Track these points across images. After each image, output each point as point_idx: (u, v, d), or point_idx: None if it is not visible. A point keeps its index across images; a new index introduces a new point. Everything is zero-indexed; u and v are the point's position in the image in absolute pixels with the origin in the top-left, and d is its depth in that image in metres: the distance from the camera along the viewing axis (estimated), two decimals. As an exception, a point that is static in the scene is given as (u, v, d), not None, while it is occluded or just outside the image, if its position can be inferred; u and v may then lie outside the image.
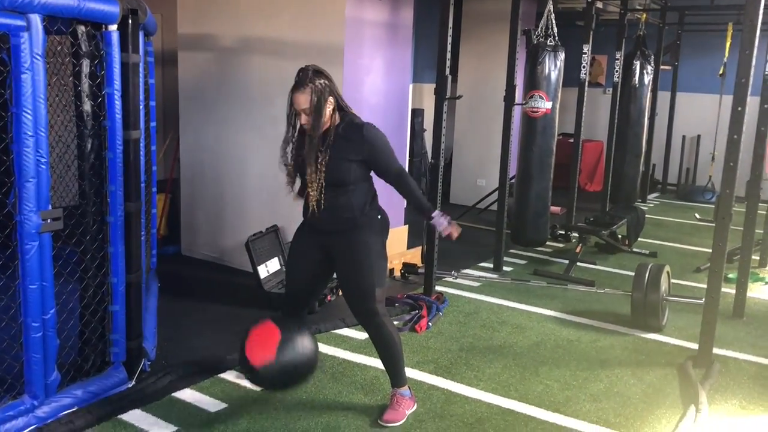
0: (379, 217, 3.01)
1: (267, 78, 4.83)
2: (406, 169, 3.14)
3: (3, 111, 2.60)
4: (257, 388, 3.17)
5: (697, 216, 7.79)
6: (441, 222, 3.00)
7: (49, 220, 2.68)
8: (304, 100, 2.79)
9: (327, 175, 2.85)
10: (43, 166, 2.65)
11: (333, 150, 2.85)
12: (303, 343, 2.88)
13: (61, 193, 3.07)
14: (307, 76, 2.80)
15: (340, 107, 2.90)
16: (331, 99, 2.83)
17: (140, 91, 3.17)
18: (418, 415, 3.07)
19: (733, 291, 4.63)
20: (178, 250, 5.50)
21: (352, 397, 3.24)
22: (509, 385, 3.43)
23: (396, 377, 3.08)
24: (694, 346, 3.84)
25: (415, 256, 5.35)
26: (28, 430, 2.73)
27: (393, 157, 2.98)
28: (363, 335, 3.96)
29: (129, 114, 3.04)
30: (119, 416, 2.96)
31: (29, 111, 2.56)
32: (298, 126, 2.92)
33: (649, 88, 7.97)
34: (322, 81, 2.81)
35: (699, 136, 9.69)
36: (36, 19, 2.54)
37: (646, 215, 6.91)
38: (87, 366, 3.08)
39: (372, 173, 2.99)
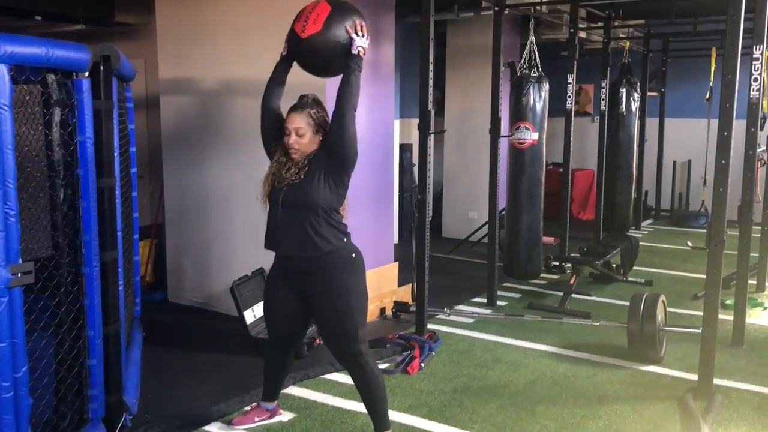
0: (353, 255, 2.93)
1: (249, 119, 4.77)
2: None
3: (-33, 163, 2.52)
4: None
5: (690, 244, 7.72)
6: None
7: (19, 274, 2.58)
8: (299, 120, 2.88)
9: (299, 191, 2.85)
10: (12, 219, 2.56)
11: (308, 169, 2.88)
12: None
13: (33, 244, 2.98)
14: (308, 102, 2.92)
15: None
16: (322, 132, 2.91)
17: (114, 137, 3.10)
18: (410, 463, 2.95)
19: (732, 318, 4.53)
20: (165, 296, 5.39)
21: (341, 446, 3.12)
22: (505, 426, 3.31)
23: (380, 421, 2.98)
24: (694, 377, 3.73)
25: (406, 293, 5.25)
26: (-1, 496, 2.59)
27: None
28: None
29: (103, 161, 2.97)
30: (97, 476, 2.83)
31: (-4, 163, 2.49)
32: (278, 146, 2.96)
33: (637, 114, 7.98)
34: (320, 112, 2.92)
35: (690, 160, 9.69)
36: (2, 69, 2.46)
37: (641, 242, 6.84)
38: (63, 425, 2.95)
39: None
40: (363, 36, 2.88)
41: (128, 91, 4.14)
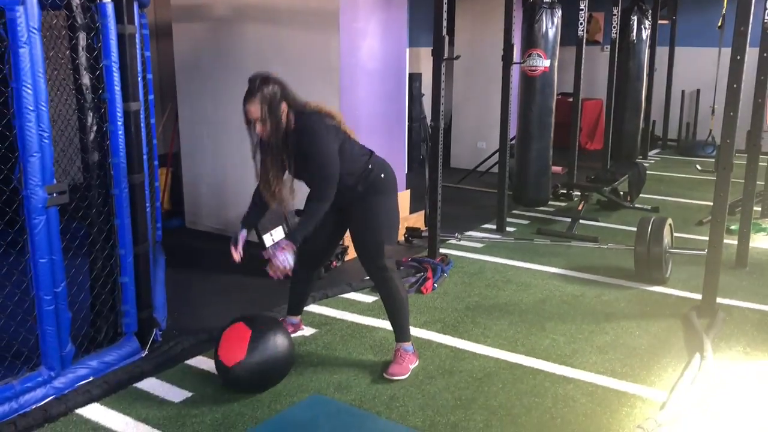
0: (382, 176, 3.04)
1: (263, 46, 4.81)
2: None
3: (3, 86, 2.60)
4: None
5: (699, 168, 7.79)
6: (274, 254, 2.85)
7: (54, 194, 2.70)
8: (254, 109, 2.83)
9: (301, 176, 2.98)
10: (46, 141, 2.66)
11: (295, 151, 2.90)
12: (275, 341, 2.91)
13: (65, 167, 3.08)
14: (254, 86, 2.82)
15: (297, 110, 2.89)
16: (283, 104, 2.85)
17: (137, 62, 3.16)
18: (428, 372, 3.13)
19: (736, 242, 4.66)
20: (182, 223, 5.53)
21: (361, 356, 3.30)
22: (516, 340, 3.48)
23: (400, 332, 3.16)
24: (698, 296, 3.88)
25: (418, 220, 5.37)
26: (46, 400, 2.78)
27: (318, 161, 2.86)
28: (369, 298, 4.01)
29: (128, 86, 3.05)
30: (135, 385, 3.01)
31: (29, 85, 2.56)
32: (255, 137, 2.93)
33: (647, 43, 7.91)
34: (270, 87, 2.83)
35: (698, 90, 9.65)
36: (30, -8, 2.53)
37: (647, 171, 6.91)
38: (100, 337, 3.13)
39: (352, 147, 3.00)
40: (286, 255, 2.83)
41: (143, 17, 4.16)
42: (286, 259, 2.84)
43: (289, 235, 2.90)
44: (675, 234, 4.58)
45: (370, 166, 3.02)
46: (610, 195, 5.98)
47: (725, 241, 3.78)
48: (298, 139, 2.87)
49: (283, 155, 2.92)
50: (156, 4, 6.28)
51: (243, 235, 3.10)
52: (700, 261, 4.28)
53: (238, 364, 2.84)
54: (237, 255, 3.03)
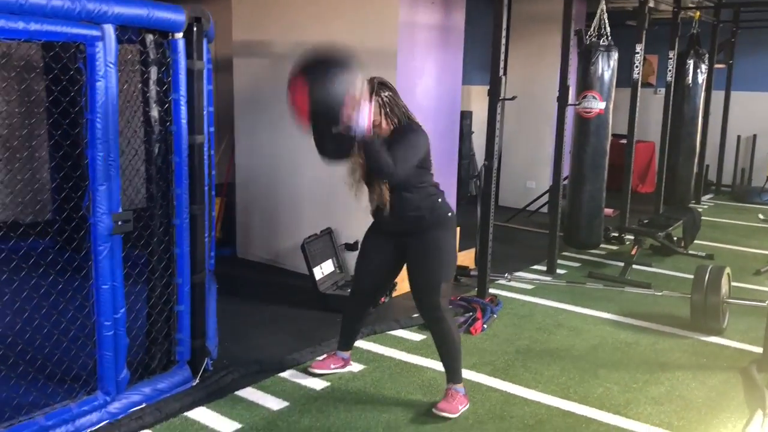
0: (449, 214, 3.08)
1: (320, 82, 4.89)
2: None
3: (79, 117, 2.70)
4: (318, 386, 3.24)
5: (762, 216, 7.59)
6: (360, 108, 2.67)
7: (120, 222, 2.78)
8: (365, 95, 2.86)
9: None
10: (115, 171, 2.75)
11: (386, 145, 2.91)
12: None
13: (130, 195, 3.17)
14: (373, 88, 2.90)
15: (400, 118, 2.97)
16: (385, 110, 2.94)
17: (204, 97, 3.25)
18: (478, 416, 3.08)
19: (797, 294, 4.51)
20: (233, 252, 5.61)
21: (410, 396, 3.27)
22: (568, 387, 3.41)
23: (452, 374, 3.13)
24: (757, 349, 3.76)
25: (467, 258, 5.34)
26: (100, 424, 2.82)
27: (402, 151, 2.83)
28: (417, 336, 3.98)
29: (194, 119, 3.13)
30: (185, 413, 3.03)
31: (102, 117, 2.66)
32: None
33: (703, 87, 7.81)
34: (387, 93, 2.95)
35: (755, 135, 9.45)
36: (110, 29, 2.64)
37: (701, 217, 6.77)
38: (153, 364, 3.17)
39: (430, 167, 3.05)
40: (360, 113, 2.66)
41: (207, 53, 4.28)
42: (364, 118, 2.65)
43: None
44: (732, 283, 4.46)
45: (439, 200, 3.05)
46: (664, 240, 5.86)
47: (787, 292, 3.67)
48: (397, 134, 2.91)
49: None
50: (217, 39, 6.48)
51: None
52: (758, 312, 4.16)
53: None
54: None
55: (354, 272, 3.39)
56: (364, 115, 2.67)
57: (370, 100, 2.81)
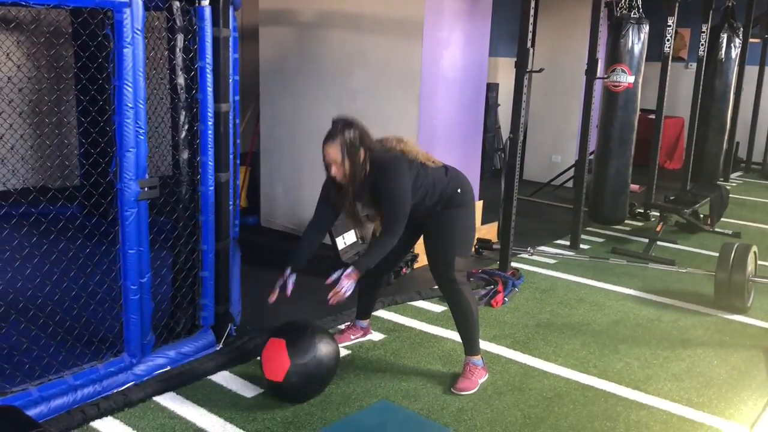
0: (459, 190, 3.04)
1: (345, 52, 4.88)
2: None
3: (107, 84, 2.73)
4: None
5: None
6: (341, 282, 2.85)
7: (146, 188, 2.82)
8: (333, 152, 2.84)
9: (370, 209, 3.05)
10: (142, 137, 2.78)
11: (370, 190, 2.93)
12: (313, 340, 2.91)
13: (156, 163, 3.20)
14: (336, 129, 2.85)
15: (376, 153, 2.90)
16: (362, 151, 2.86)
17: (230, 65, 3.26)
18: (497, 387, 3.10)
19: (825, 274, 4.45)
20: (258, 221, 5.66)
21: (430, 366, 3.30)
22: (588, 361, 3.42)
23: (470, 346, 3.14)
24: (782, 329, 3.73)
25: (489, 231, 5.34)
26: (126, 385, 2.89)
27: (392, 199, 2.86)
28: (438, 308, 4.00)
29: (219, 87, 3.14)
30: (209, 377, 3.10)
31: (130, 84, 2.68)
32: (328, 178, 2.98)
33: (736, 62, 7.63)
34: (351, 132, 2.85)
35: (788, 112, 9.25)
36: (137, -5, 2.64)
37: (729, 194, 6.67)
38: (178, 329, 3.24)
39: (426, 175, 2.98)
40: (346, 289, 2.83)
41: (234, 20, 4.28)
42: (349, 288, 2.84)
43: (355, 263, 2.90)
44: (759, 262, 4.40)
45: (449, 183, 3.03)
46: (690, 217, 5.80)
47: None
48: (374, 179, 2.89)
49: (352, 197, 2.95)
50: (244, 8, 6.46)
51: (292, 280, 3.16)
52: (785, 292, 4.11)
53: (287, 374, 2.82)
54: (274, 296, 3.07)
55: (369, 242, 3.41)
56: (349, 283, 2.84)
57: (342, 155, 2.83)
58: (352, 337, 3.49)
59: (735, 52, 7.53)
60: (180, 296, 3.21)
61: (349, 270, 2.87)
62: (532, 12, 4.31)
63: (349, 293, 2.85)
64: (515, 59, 4.40)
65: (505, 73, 8.35)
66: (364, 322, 3.54)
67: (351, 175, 2.87)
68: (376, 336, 3.60)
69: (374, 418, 2.84)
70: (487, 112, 7.41)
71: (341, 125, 2.87)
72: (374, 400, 2.96)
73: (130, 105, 2.70)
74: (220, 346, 3.34)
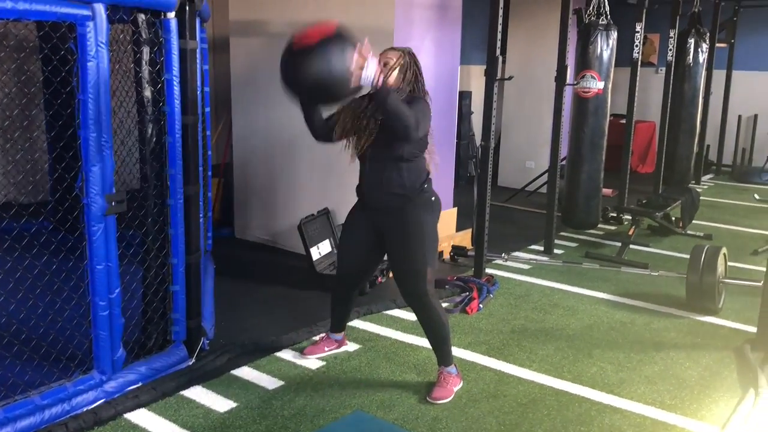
0: (432, 198, 3.03)
1: (317, 62, 4.87)
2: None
3: (72, 98, 2.69)
4: (313, 366, 3.26)
5: (757, 197, 7.58)
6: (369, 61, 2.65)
7: (113, 203, 2.78)
8: (393, 56, 2.96)
9: (379, 139, 2.91)
10: (108, 151, 2.74)
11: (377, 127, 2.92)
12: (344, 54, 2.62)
13: (123, 176, 3.17)
14: (406, 50, 3.01)
15: (417, 88, 2.98)
16: (411, 75, 2.96)
17: (197, 77, 3.24)
18: (472, 395, 3.10)
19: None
20: (231, 233, 5.62)
21: (405, 376, 3.29)
22: (562, 366, 3.43)
23: (442, 356, 3.13)
24: (752, 329, 3.77)
25: (464, 238, 5.35)
26: (96, 403, 2.84)
27: (421, 115, 2.82)
28: (413, 317, 3.96)
29: (187, 99, 3.12)
30: (181, 392, 3.05)
31: (93, 98, 2.65)
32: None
33: (704, 66, 7.75)
34: (414, 60, 3.00)
35: (756, 115, 9.40)
36: (100, 9, 2.62)
37: (700, 197, 6.76)
38: (150, 344, 3.19)
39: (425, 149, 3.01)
40: (367, 66, 2.63)
41: (203, 32, 4.26)
42: (370, 71, 2.63)
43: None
44: (729, 263, 4.46)
45: (426, 185, 3.01)
46: (662, 220, 5.86)
47: (783, 272, 3.66)
48: (412, 100, 2.88)
49: (375, 116, 2.90)
50: (214, 18, 6.44)
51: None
52: (754, 292, 4.16)
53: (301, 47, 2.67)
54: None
55: (337, 255, 3.38)
56: (374, 68, 2.65)
57: (396, 62, 2.92)
58: (326, 349, 3.46)
59: (702, 57, 7.65)
60: (151, 311, 3.17)
61: (379, 68, 2.69)
62: (501, 20, 4.34)
63: (369, 75, 2.63)
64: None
65: (478, 81, 8.38)
66: (339, 335, 3.50)
67: (388, 81, 2.83)
68: (351, 347, 3.58)
69: (349, 429, 2.83)
70: (461, 119, 7.44)
71: (409, 52, 3.01)
72: (349, 411, 2.95)
73: (94, 119, 2.67)
74: (193, 360, 3.30)
